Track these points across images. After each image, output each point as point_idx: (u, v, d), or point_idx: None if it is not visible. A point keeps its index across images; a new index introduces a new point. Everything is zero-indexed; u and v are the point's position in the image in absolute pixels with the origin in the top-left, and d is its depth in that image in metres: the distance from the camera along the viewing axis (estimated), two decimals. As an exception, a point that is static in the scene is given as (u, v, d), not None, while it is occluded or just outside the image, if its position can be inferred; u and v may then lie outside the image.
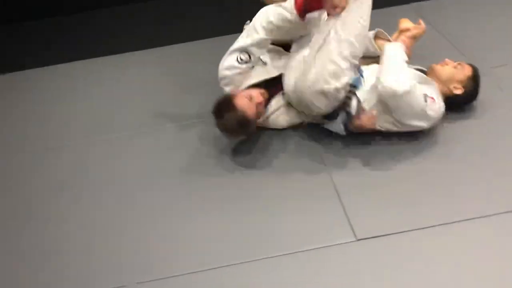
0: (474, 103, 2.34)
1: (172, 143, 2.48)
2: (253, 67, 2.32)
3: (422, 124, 2.13)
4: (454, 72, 2.24)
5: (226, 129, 2.24)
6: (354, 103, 2.15)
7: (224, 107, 2.20)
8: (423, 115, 2.09)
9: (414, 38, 2.33)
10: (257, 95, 2.22)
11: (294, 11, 2.11)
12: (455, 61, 2.30)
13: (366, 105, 2.15)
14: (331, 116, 2.21)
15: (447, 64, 2.26)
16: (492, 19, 3.02)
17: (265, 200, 2.09)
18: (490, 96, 2.37)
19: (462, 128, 2.27)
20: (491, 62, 2.60)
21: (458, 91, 2.23)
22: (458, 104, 2.29)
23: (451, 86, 2.23)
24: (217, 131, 2.28)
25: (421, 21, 2.34)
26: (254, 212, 2.04)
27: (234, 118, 2.15)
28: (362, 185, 2.08)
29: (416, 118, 2.11)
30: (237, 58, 2.26)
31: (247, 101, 2.18)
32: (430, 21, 2.96)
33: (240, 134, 2.31)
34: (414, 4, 3.29)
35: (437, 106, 2.12)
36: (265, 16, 2.19)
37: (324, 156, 2.25)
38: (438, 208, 1.93)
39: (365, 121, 2.17)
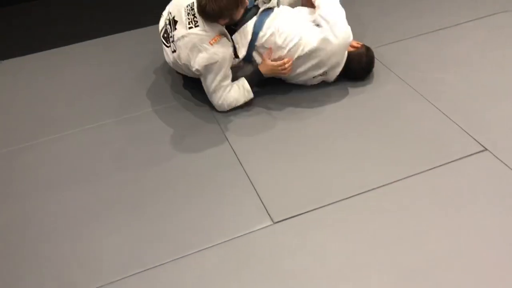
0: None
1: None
2: None
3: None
4: None
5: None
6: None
7: None
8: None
9: None
10: None
11: None
12: None
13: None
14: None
15: None
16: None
17: (175, 193, 2.04)
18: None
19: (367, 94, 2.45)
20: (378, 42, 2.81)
21: (357, 45, 2.47)
22: (357, 64, 2.45)
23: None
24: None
25: None
26: (171, 206, 1.98)
27: None
28: (271, 163, 2.13)
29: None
30: None
31: None
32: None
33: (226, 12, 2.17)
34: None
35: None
36: None
37: (228, 136, 2.27)
38: (345, 180, 2.03)
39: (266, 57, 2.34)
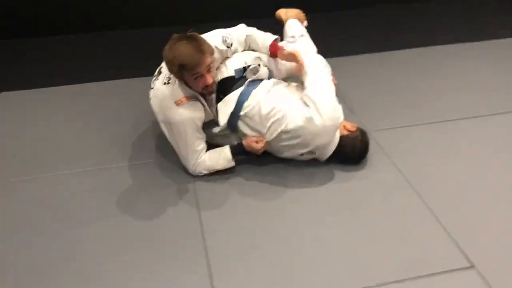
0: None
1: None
2: (226, 58, 2.34)
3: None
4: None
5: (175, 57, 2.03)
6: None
7: (184, 37, 2.06)
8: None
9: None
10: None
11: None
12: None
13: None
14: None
15: None
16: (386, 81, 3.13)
17: (125, 257, 1.89)
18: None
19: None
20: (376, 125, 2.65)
21: (352, 128, 2.32)
22: (351, 149, 2.30)
23: (343, 125, 2.31)
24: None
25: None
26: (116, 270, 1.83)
27: (192, 46, 2.02)
28: (236, 243, 1.96)
29: None
30: (223, 38, 2.28)
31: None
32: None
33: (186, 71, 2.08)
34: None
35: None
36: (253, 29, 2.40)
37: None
38: (311, 281, 1.81)
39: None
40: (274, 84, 2.33)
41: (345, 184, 2.27)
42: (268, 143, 2.25)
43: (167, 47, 2.06)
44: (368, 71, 3.25)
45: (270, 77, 2.40)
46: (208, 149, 2.28)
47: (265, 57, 2.40)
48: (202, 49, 2.03)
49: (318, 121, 2.14)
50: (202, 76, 2.08)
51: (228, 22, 2.54)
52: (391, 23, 3.98)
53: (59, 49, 3.59)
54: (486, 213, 2.10)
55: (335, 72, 2.51)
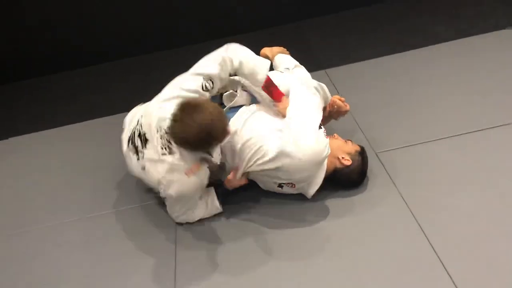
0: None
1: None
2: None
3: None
4: (343, 143, 2.11)
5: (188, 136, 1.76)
6: None
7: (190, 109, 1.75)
8: None
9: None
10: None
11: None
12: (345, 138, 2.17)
13: None
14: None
15: (336, 138, 2.14)
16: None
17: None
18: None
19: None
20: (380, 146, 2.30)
21: (347, 162, 2.05)
22: (347, 180, 2.07)
23: (340, 156, 2.05)
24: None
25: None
26: None
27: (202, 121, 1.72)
28: None
29: None
30: (202, 85, 1.94)
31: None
32: (339, 88, 2.73)
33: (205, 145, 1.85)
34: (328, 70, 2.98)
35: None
36: (243, 57, 2.01)
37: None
38: None
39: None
40: (255, 110, 2.09)
41: (343, 219, 1.98)
42: (246, 174, 2.04)
43: (186, 120, 1.72)
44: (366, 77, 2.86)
45: (253, 101, 2.16)
46: None
47: (246, 81, 2.13)
48: (224, 115, 1.83)
49: (295, 156, 1.88)
50: None
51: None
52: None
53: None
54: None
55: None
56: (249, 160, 1.98)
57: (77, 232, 2.23)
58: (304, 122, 1.94)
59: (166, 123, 1.82)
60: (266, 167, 1.95)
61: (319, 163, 1.93)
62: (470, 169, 2.09)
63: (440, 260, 1.73)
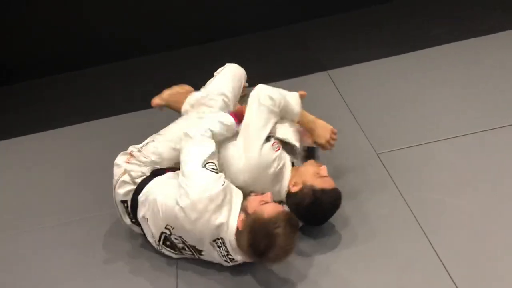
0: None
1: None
2: None
3: None
4: (308, 172, 1.86)
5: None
6: None
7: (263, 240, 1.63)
8: None
9: None
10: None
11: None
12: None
13: None
14: None
15: (310, 165, 1.93)
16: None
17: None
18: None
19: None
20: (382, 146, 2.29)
21: (294, 188, 1.84)
22: (293, 210, 1.82)
23: (293, 181, 1.86)
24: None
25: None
26: None
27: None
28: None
29: None
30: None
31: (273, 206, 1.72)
32: (340, 90, 2.73)
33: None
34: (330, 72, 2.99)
35: None
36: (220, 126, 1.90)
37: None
38: None
39: None
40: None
41: (339, 222, 1.94)
42: None
43: (280, 234, 1.62)
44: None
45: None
46: None
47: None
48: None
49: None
50: None
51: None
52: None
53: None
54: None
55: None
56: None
57: (77, 232, 2.21)
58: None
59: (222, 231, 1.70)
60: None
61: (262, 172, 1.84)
62: (471, 170, 2.08)
63: (441, 260, 1.72)
